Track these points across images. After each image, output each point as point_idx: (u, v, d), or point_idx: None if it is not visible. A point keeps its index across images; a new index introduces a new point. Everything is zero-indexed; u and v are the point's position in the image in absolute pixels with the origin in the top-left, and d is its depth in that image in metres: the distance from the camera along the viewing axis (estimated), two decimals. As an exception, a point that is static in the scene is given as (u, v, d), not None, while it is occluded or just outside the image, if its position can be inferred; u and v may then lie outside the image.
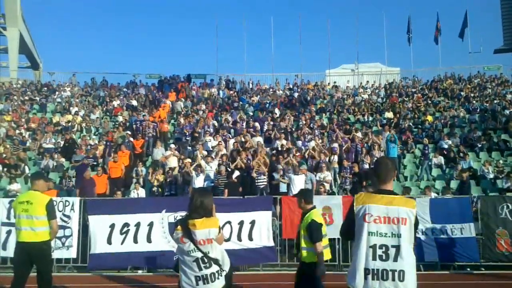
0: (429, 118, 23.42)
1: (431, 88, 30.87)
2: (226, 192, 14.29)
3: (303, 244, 6.27)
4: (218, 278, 4.79)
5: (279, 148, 17.78)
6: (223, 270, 4.87)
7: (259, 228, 11.25)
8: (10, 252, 10.42)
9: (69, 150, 19.17)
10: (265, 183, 14.86)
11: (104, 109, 26.56)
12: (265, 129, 20.69)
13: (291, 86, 32.99)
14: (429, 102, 26.91)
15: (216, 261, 4.79)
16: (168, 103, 26.08)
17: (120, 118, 23.70)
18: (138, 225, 11.15)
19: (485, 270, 11.13)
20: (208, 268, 4.74)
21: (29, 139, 20.69)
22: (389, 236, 4.03)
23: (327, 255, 6.40)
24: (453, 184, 16.17)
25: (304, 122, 22.10)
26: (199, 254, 4.72)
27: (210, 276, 4.74)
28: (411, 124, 22.73)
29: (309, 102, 27.50)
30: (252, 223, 11.25)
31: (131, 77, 34.40)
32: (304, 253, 6.26)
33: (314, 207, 6.51)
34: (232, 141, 19.03)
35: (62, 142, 20.06)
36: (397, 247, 4.00)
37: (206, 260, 4.74)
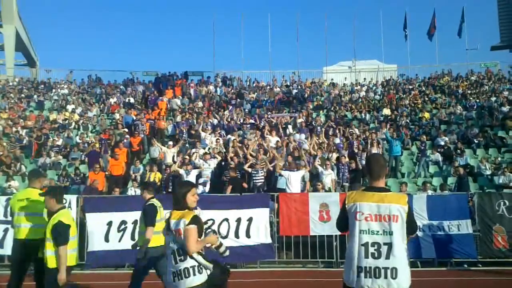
0: (426, 115, 23.46)
1: (428, 85, 30.90)
2: (229, 189, 14.07)
3: (47, 248, 5.81)
4: (194, 274, 4.53)
5: (275, 145, 17.76)
6: (203, 267, 4.60)
7: (257, 225, 11.27)
8: (7, 250, 10.40)
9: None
10: (262, 180, 14.85)
11: (101, 106, 26.51)
12: (261, 126, 20.68)
13: (288, 83, 32.96)
14: (426, 99, 26.93)
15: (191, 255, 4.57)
16: (165, 101, 26.05)
17: (117, 116, 23.66)
18: (135, 222, 11.08)
19: (482, 267, 11.16)
20: (182, 262, 4.54)
21: (26, 137, 20.63)
22: (381, 234, 4.06)
23: (71, 261, 5.89)
24: (450, 181, 16.21)
25: (301, 119, 22.14)
26: (175, 246, 4.60)
27: (184, 271, 4.53)
28: (408, 121, 22.77)
29: (306, 99, 27.52)
30: (250, 220, 11.26)
31: (128, 75, 34.34)
32: (48, 257, 5.79)
33: (63, 207, 6.09)
34: (232, 137, 19.02)
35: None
36: (389, 245, 4.03)
37: (181, 252, 4.56)
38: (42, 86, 31.08)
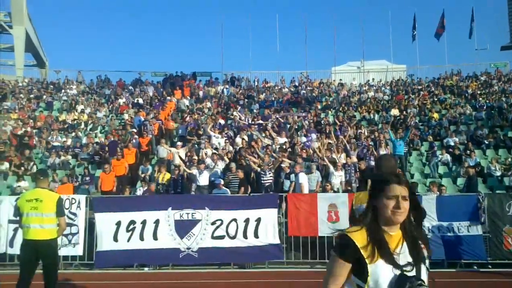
0: (435, 115, 23.33)
1: (437, 85, 30.72)
2: (242, 189, 14.06)
3: None
4: None
5: (283, 146, 17.73)
6: None
7: (265, 226, 11.29)
8: (17, 250, 10.48)
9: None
10: (270, 181, 14.80)
11: (110, 107, 26.67)
12: (269, 127, 20.61)
13: (296, 84, 32.95)
14: (435, 99, 26.79)
15: None
16: (173, 101, 26.14)
17: (126, 116, 23.75)
18: (144, 222, 11.20)
19: (492, 268, 11.07)
20: None
21: (36, 137, 20.76)
22: None
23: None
24: (460, 182, 16.11)
25: (310, 119, 22.10)
26: None
27: None
28: (417, 121, 22.65)
29: (315, 100, 27.47)
30: (258, 220, 11.29)
31: (136, 75, 34.44)
32: None
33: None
34: (238, 139, 19.01)
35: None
36: None
37: None
38: (52, 86, 31.28)
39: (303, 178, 13.78)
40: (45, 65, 43.49)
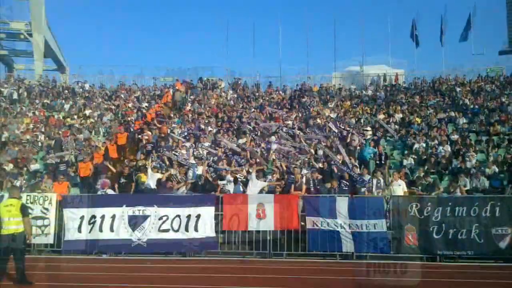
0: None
1: (434, 88, 31.21)
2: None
3: None
4: None
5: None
6: None
7: (204, 221, 13.25)
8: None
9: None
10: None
11: (116, 111, 27.68)
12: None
13: (297, 85, 34.14)
14: (433, 102, 27.30)
15: None
16: (170, 91, 28.22)
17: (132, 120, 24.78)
18: (103, 217, 13.31)
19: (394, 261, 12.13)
20: None
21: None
22: None
23: None
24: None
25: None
26: None
27: None
28: (397, 126, 23.01)
29: (315, 103, 28.34)
30: (198, 216, 13.26)
31: (139, 70, 36.08)
32: None
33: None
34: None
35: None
36: None
37: None
38: (61, 88, 33.33)
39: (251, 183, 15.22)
40: (65, 70, 46.34)
